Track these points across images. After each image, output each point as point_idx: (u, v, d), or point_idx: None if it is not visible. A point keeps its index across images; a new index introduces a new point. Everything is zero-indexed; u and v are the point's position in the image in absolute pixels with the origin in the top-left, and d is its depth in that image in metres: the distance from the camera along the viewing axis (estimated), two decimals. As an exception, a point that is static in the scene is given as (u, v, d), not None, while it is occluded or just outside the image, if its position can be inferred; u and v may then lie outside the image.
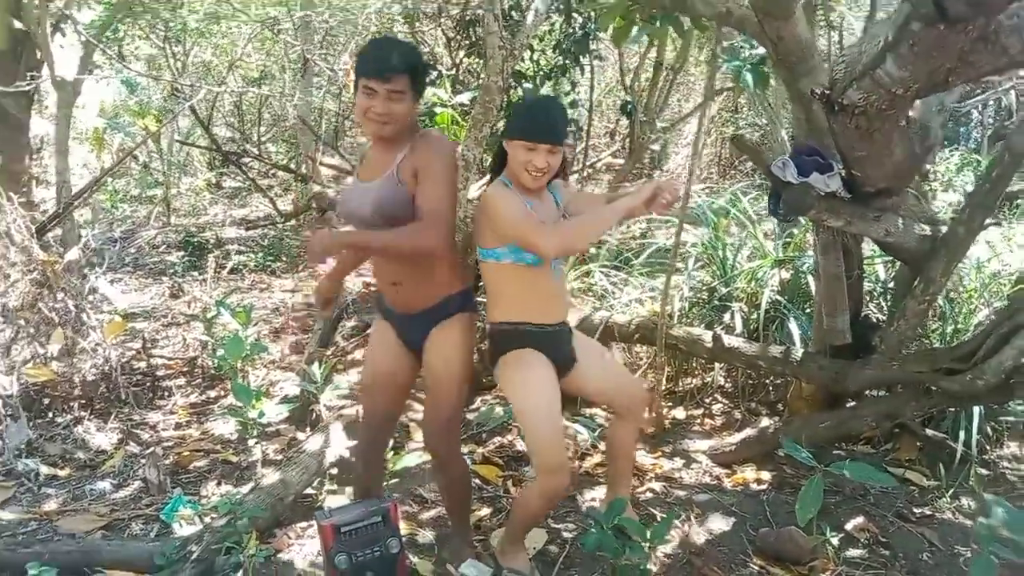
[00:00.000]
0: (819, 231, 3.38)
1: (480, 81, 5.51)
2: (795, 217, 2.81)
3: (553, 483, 2.71)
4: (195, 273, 7.74)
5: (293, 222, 9.64)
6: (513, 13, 7.39)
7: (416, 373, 2.96)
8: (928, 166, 6.62)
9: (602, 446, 4.11)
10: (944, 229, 3.30)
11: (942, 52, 1.80)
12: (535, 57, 7.85)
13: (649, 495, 3.64)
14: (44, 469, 3.88)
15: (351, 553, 2.77)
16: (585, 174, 9.70)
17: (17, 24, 6.65)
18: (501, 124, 3.72)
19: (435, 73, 7.58)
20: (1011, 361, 2.99)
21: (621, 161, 9.62)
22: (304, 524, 3.33)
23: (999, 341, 3.02)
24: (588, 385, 2.98)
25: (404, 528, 3.31)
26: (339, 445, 3.69)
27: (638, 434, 3.27)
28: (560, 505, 3.52)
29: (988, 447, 3.93)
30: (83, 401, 4.49)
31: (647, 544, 2.70)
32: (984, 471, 3.79)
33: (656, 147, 8.47)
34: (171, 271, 7.99)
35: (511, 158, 2.66)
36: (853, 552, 3.14)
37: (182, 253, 8.74)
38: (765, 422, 4.24)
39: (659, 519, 3.27)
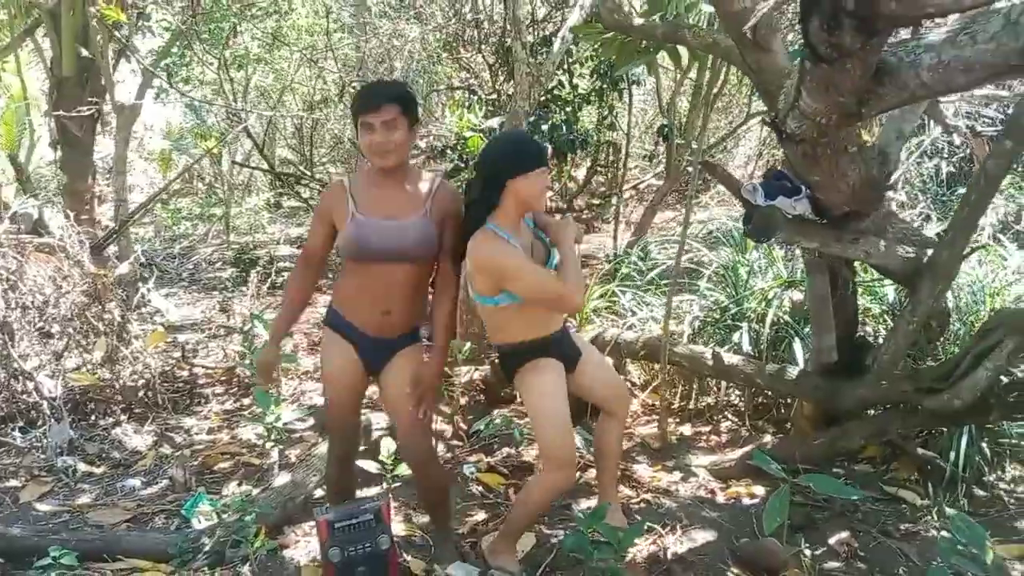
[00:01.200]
0: (805, 253, 3.50)
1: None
2: (765, 238, 2.94)
3: (558, 478, 2.98)
4: (244, 288, 8.09)
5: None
6: (553, 39, 7.62)
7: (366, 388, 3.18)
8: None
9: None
10: (930, 252, 3.39)
11: (837, 87, 1.94)
12: (573, 82, 8.05)
13: (642, 505, 3.77)
14: (82, 466, 4.19)
15: (343, 547, 2.96)
16: (627, 196, 9.86)
17: (84, 52, 7.11)
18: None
19: (474, 97, 7.87)
20: (985, 381, 3.06)
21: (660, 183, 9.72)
22: (311, 523, 3.54)
23: (974, 361, 3.10)
24: (585, 379, 3.21)
25: (402, 530, 3.52)
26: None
27: (621, 435, 3.45)
28: (553, 512, 3.69)
29: (987, 469, 3.96)
30: (123, 405, 4.80)
31: (618, 547, 2.85)
32: (982, 492, 3.83)
33: (691, 169, 8.54)
34: (222, 286, 8.36)
35: (528, 192, 2.81)
36: (831, 564, 3.23)
37: (235, 269, 9.12)
38: (767, 439, 4.33)
39: (644, 529, 3.43)
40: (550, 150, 2.80)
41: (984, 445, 3.94)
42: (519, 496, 3.21)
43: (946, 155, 8.91)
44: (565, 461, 2.96)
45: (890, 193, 6.78)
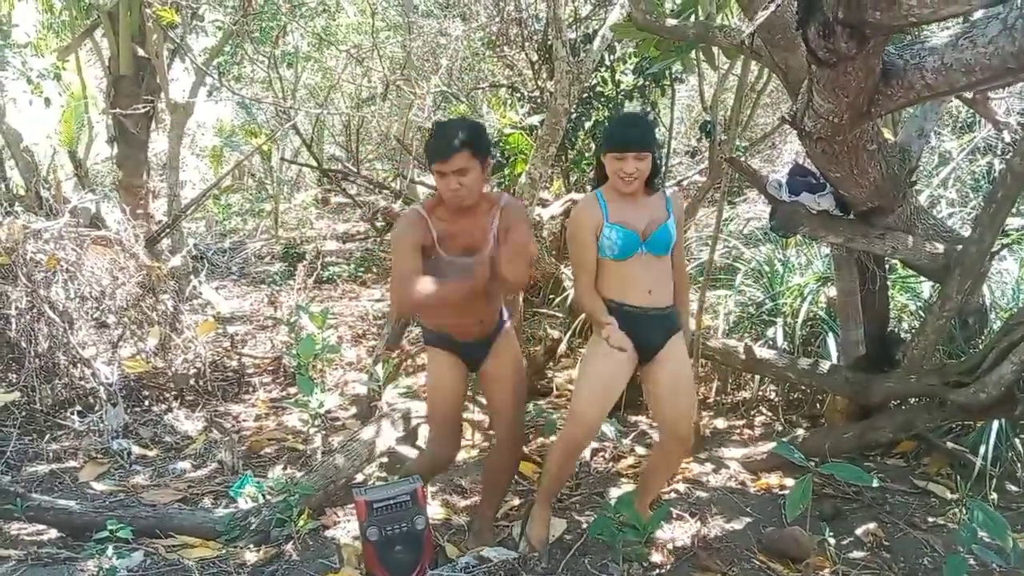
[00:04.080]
0: (833, 248, 3.56)
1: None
2: (790, 233, 3.01)
3: (572, 431, 3.10)
4: (291, 282, 8.31)
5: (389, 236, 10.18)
6: (596, 37, 7.68)
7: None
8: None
9: (639, 449, 4.37)
10: (960, 248, 3.42)
11: (843, 88, 2.02)
12: (616, 78, 8.10)
13: (673, 495, 3.85)
14: (136, 449, 4.40)
15: (382, 527, 3.09)
16: (669, 192, 9.86)
17: (140, 52, 7.37)
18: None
19: (516, 95, 7.97)
20: (1010, 375, 3.10)
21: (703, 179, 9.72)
22: (351, 504, 3.68)
23: (1000, 356, 3.14)
24: (651, 384, 3.17)
25: (439, 513, 3.65)
26: (389, 437, 4.06)
27: (676, 464, 3.47)
28: (589, 501, 3.80)
29: (1020, 465, 3.97)
30: (175, 392, 5.01)
31: (643, 531, 2.95)
32: (1014, 488, 3.85)
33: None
34: (270, 280, 8.59)
35: (608, 169, 2.96)
36: (856, 554, 3.28)
37: (283, 264, 9.37)
38: (800, 433, 4.38)
39: (674, 517, 3.52)
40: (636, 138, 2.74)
41: (1017, 441, 3.96)
42: (545, 461, 3.37)
43: (999, 152, 8.79)
44: (580, 413, 3.07)
45: (941, 191, 6.78)
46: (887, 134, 2.96)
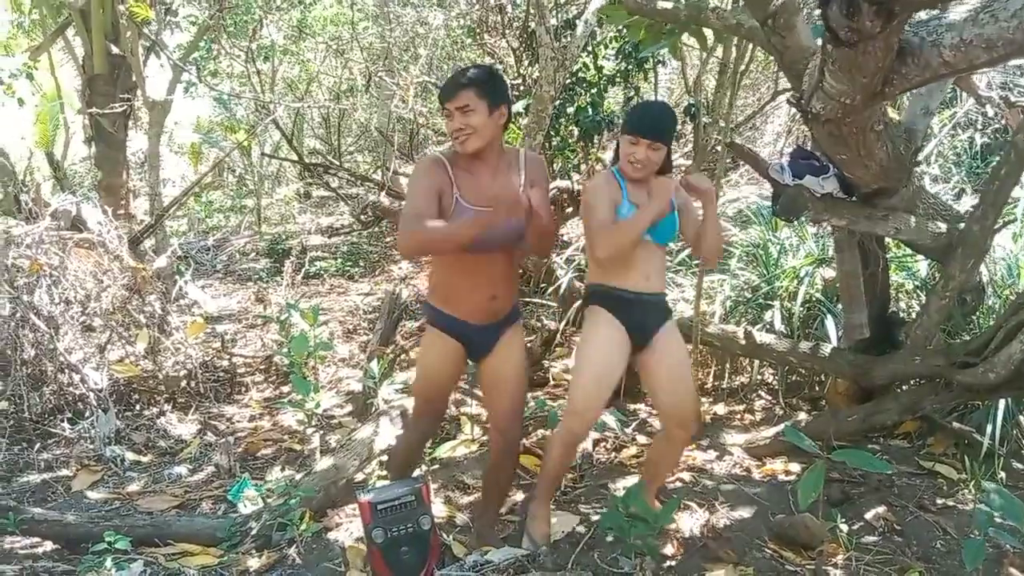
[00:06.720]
0: (835, 230, 3.51)
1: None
2: (794, 217, 2.96)
3: (572, 425, 3.02)
4: (278, 278, 8.21)
5: (375, 229, 10.07)
6: (577, 22, 7.59)
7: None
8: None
9: (640, 438, 4.32)
10: (961, 226, 3.39)
11: (860, 69, 1.97)
12: (598, 63, 8.03)
13: (679, 484, 3.81)
14: (129, 455, 4.32)
15: (387, 528, 3.02)
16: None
17: (114, 49, 7.23)
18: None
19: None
20: (1020, 353, 3.07)
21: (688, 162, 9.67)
22: (354, 505, 3.62)
23: (1008, 335, 3.11)
24: (649, 372, 3.11)
25: (442, 511, 3.59)
26: (389, 434, 3.99)
27: (680, 452, 3.42)
28: (594, 493, 3.75)
29: (1024, 441, 3.96)
30: (166, 395, 4.92)
31: (654, 524, 2.90)
32: (1020, 465, 3.83)
33: (719, 148, 8.50)
34: (256, 277, 8.48)
35: (622, 151, 2.94)
36: (868, 539, 3.25)
37: (268, 260, 9.26)
38: (802, 417, 4.35)
39: (682, 507, 3.48)
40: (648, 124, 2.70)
41: (1022, 419, 3.94)
42: (544, 454, 3.27)
43: (980, 127, 8.77)
44: (582, 408, 2.99)
45: (924, 167, 6.77)
46: (891, 113, 2.91)
